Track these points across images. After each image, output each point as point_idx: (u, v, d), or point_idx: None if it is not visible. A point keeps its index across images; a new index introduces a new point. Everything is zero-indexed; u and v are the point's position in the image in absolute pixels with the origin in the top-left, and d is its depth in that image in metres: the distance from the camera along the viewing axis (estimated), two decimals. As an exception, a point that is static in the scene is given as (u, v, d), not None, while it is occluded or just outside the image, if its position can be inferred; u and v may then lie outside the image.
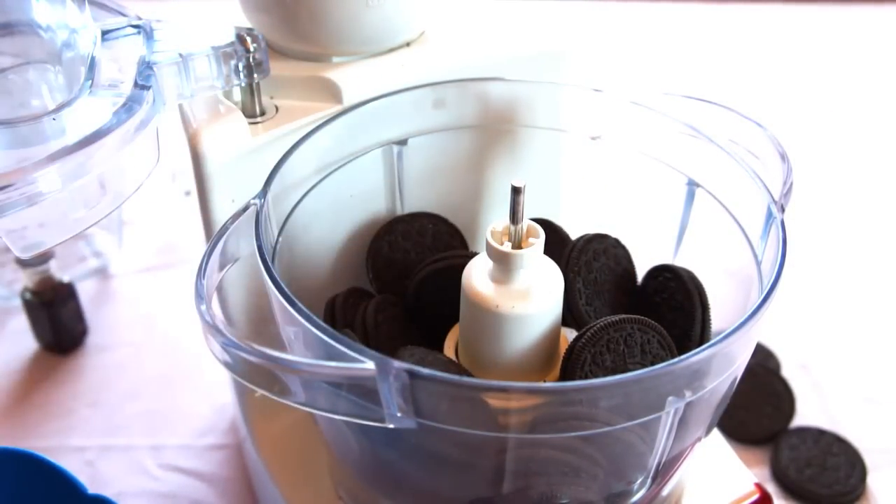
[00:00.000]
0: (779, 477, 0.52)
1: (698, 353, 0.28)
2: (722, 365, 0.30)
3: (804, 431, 0.55)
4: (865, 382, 0.59)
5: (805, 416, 0.57)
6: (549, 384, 0.35)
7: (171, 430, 0.57)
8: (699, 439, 0.34)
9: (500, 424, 0.28)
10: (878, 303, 0.67)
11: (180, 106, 0.39)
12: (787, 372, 0.60)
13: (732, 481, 0.42)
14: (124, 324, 0.65)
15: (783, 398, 0.57)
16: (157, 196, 0.76)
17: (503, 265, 0.34)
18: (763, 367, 0.59)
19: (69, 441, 0.56)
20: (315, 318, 0.28)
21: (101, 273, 0.70)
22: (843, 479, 0.52)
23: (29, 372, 0.61)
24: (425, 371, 0.25)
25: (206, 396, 0.59)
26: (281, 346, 0.32)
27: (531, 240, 0.34)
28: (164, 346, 0.63)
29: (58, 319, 0.61)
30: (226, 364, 0.28)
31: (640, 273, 0.41)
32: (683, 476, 0.40)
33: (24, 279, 0.60)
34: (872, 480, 0.52)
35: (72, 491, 0.40)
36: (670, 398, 0.28)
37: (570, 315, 0.38)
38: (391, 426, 0.27)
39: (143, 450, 0.56)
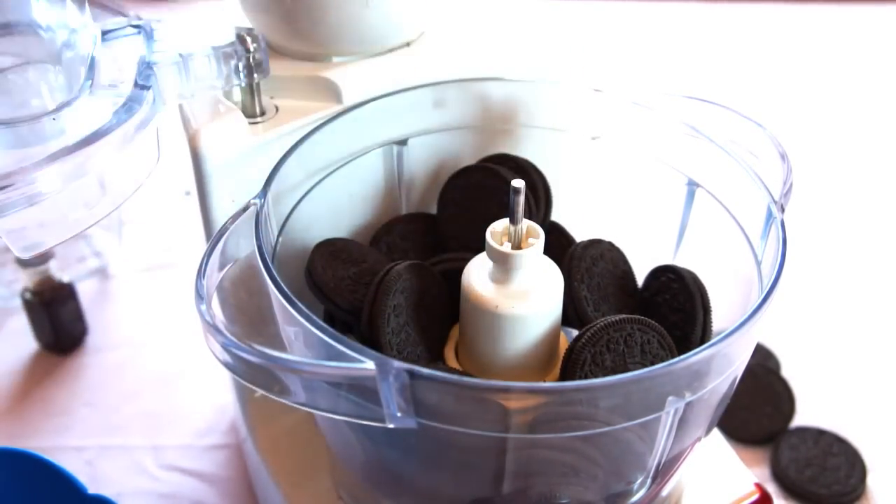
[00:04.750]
0: (779, 477, 0.52)
1: (698, 353, 0.28)
2: (722, 365, 0.30)
3: (804, 431, 0.55)
4: (865, 382, 0.59)
5: (805, 416, 0.57)
6: (548, 384, 0.35)
7: (171, 430, 0.57)
8: (699, 439, 0.34)
9: (500, 424, 0.28)
10: (877, 303, 0.66)
11: (180, 106, 0.39)
12: (787, 372, 0.60)
13: (732, 481, 0.42)
14: (124, 324, 0.65)
15: (783, 398, 0.57)
16: (157, 196, 0.76)
17: (503, 265, 0.34)
18: (763, 367, 0.59)
19: (69, 441, 0.56)
20: (315, 318, 0.28)
21: (101, 273, 0.70)
22: (843, 479, 0.52)
23: (29, 372, 0.61)
24: (425, 371, 0.25)
25: (205, 396, 0.59)
26: (281, 346, 0.32)
27: (531, 240, 0.34)
28: (164, 346, 0.63)
29: (58, 319, 0.61)
30: (226, 364, 0.28)
31: (639, 274, 0.41)
32: (683, 476, 0.40)
33: (24, 279, 0.60)
34: (872, 480, 0.52)
35: (72, 491, 0.40)
36: (670, 398, 0.28)
37: (580, 323, 0.38)
38: (391, 426, 0.27)
39: (143, 450, 0.56)
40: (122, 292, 0.68)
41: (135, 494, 0.52)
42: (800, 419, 0.56)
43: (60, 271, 0.61)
